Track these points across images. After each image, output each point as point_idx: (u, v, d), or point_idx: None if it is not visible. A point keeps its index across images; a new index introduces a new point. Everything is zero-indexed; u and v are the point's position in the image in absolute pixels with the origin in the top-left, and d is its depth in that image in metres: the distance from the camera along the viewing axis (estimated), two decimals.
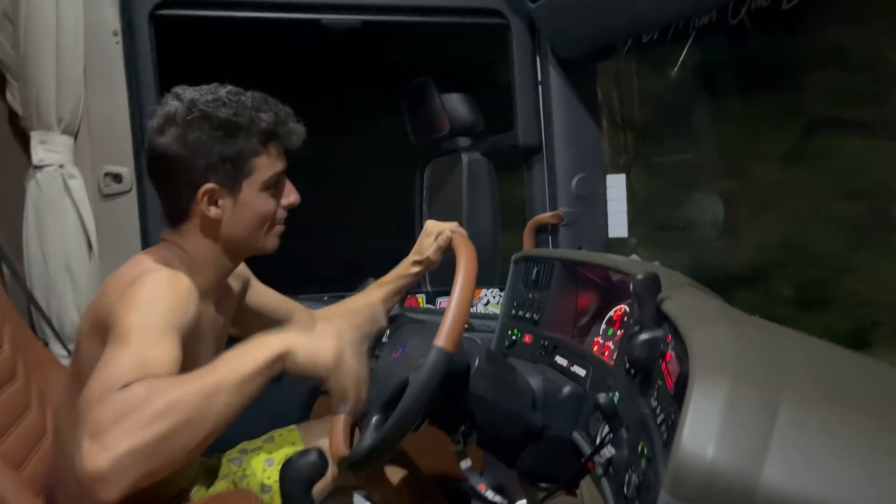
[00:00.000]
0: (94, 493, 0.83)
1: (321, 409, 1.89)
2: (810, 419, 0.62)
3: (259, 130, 1.15)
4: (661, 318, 1.07)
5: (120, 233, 1.73)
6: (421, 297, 2.16)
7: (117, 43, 1.72)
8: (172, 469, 0.90)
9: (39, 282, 1.67)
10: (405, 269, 1.51)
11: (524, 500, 1.52)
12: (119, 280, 1.10)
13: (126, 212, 1.74)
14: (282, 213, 1.23)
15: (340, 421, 1.36)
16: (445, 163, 2.26)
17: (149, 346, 0.94)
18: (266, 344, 0.98)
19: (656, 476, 0.86)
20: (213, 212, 1.15)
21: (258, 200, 1.18)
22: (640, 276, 1.08)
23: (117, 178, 1.73)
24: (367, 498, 1.69)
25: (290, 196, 1.23)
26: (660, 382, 1.00)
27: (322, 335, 1.04)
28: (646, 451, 0.94)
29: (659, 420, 0.94)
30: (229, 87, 1.17)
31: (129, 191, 1.74)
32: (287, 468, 1.04)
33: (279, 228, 1.24)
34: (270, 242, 1.23)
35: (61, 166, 1.66)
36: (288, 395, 1.84)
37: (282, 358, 0.98)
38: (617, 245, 1.95)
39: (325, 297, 1.97)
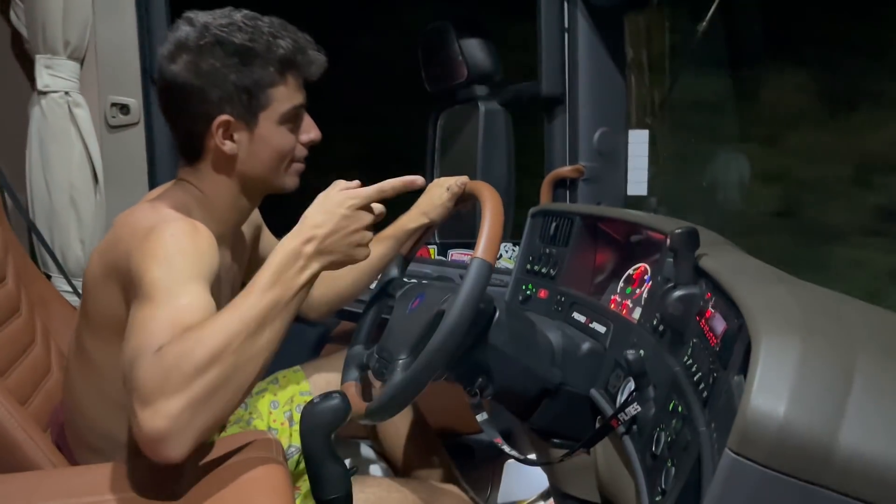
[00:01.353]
0: (162, 454, 0.80)
1: (329, 353, 1.86)
2: (887, 379, 0.59)
3: (276, 58, 1.07)
4: (698, 275, 1.04)
5: (127, 166, 1.68)
6: (432, 249, 2.13)
7: None
8: (242, 401, 0.88)
9: (43, 214, 1.62)
10: (409, 220, 1.41)
11: (534, 455, 1.52)
12: (134, 225, 1.03)
13: (133, 145, 1.68)
14: (301, 150, 1.16)
15: (351, 387, 1.29)
16: (460, 112, 2.20)
17: (178, 296, 0.90)
18: (285, 248, 0.93)
19: (695, 434, 0.83)
20: (228, 146, 1.08)
21: (276, 135, 1.11)
22: (677, 230, 1.05)
23: (124, 109, 1.67)
24: (373, 448, 1.69)
25: (311, 132, 1.16)
26: (695, 340, 0.97)
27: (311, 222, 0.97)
28: (680, 409, 0.92)
29: (696, 378, 0.91)
30: (245, 12, 1.09)
31: (137, 123, 1.68)
32: (309, 412, 1.00)
33: (298, 166, 1.17)
34: (290, 181, 1.17)
35: (67, 93, 1.60)
36: (297, 338, 1.81)
37: (303, 252, 0.93)
38: (635, 204, 1.91)
39: None
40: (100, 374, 1.09)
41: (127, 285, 0.98)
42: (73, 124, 1.61)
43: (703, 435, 0.81)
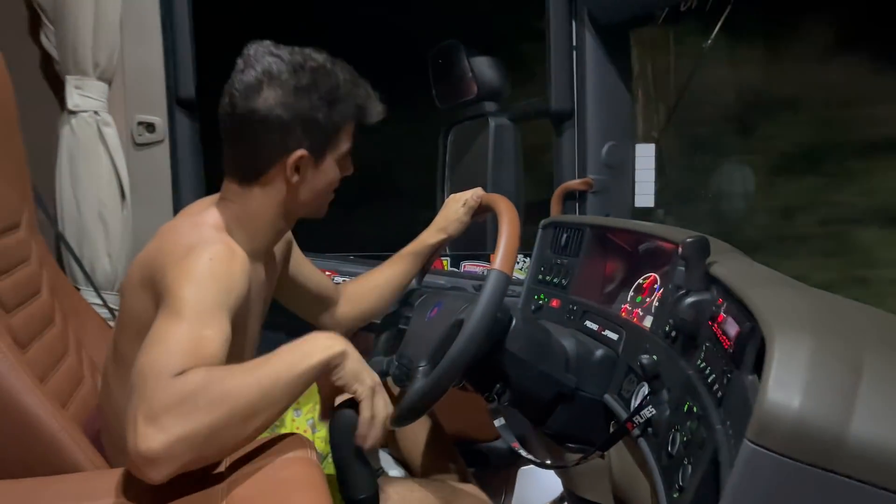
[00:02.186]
0: (145, 472, 0.85)
1: None
2: (893, 373, 0.64)
3: (354, 104, 1.14)
4: (709, 282, 1.08)
5: (152, 183, 1.73)
6: (446, 261, 2.17)
7: None
8: (221, 457, 0.92)
9: (72, 229, 1.67)
10: (429, 237, 1.48)
11: (549, 461, 1.55)
12: (176, 241, 1.08)
13: (158, 161, 1.74)
14: (337, 184, 1.22)
15: None
16: (469, 128, 2.26)
17: (203, 325, 0.94)
18: (323, 344, 0.98)
19: (710, 432, 0.88)
20: (294, 178, 1.13)
21: (332, 170, 1.17)
22: (689, 240, 1.09)
23: (150, 127, 1.72)
24: (391, 455, 1.72)
25: (350, 168, 1.22)
26: (708, 344, 1.01)
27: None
28: (695, 409, 0.96)
29: (710, 380, 0.95)
30: (323, 54, 1.13)
31: (162, 141, 1.73)
32: (337, 417, 1.05)
33: (332, 197, 1.23)
34: (324, 210, 1.23)
35: (96, 113, 1.66)
36: None
37: (335, 360, 0.98)
38: (642, 215, 1.96)
39: (351, 257, 1.98)
40: None
41: (158, 297, 1.02)
42: (102, 142, 1.67)
43: (718, 432, 0.85)
